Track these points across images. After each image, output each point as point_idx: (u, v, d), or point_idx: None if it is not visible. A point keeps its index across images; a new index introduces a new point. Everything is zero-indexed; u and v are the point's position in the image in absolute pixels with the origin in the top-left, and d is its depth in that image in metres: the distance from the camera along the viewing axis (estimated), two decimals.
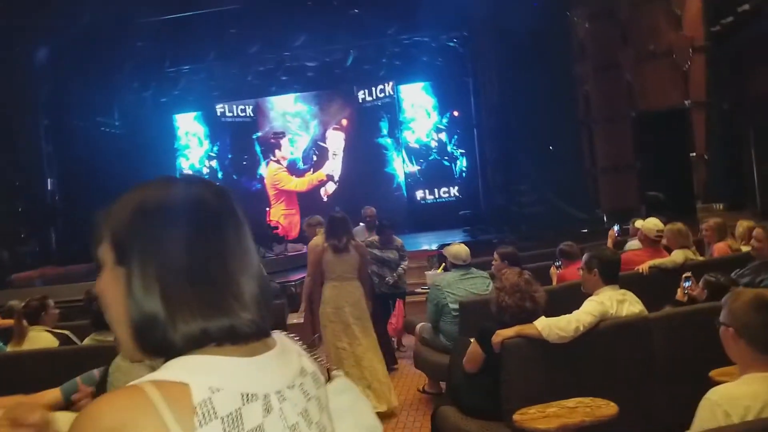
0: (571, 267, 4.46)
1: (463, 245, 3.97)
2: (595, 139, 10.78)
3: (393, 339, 5.66)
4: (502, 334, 2.52)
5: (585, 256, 2.88)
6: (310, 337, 4.63)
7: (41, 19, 9.96)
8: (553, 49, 10.19)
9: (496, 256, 4.18)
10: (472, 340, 2.92)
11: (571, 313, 2.71)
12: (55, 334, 3.54)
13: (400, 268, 5.43)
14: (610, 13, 10.44)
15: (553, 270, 4.64)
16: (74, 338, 3.50)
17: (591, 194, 10.76)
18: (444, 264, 5.68)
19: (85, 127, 12.08)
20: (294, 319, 4.53)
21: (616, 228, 5.04)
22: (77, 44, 10.53)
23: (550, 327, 2.52)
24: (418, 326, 4.17)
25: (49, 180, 10.90)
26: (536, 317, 2.57)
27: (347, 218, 4.24)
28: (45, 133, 10.86)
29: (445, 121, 13.47)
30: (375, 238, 5.52)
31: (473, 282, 3.85)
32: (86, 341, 3.34)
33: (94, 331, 3.43)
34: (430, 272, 5.56)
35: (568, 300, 3.43)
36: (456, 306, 3.71)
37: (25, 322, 3.49)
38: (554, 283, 4.56)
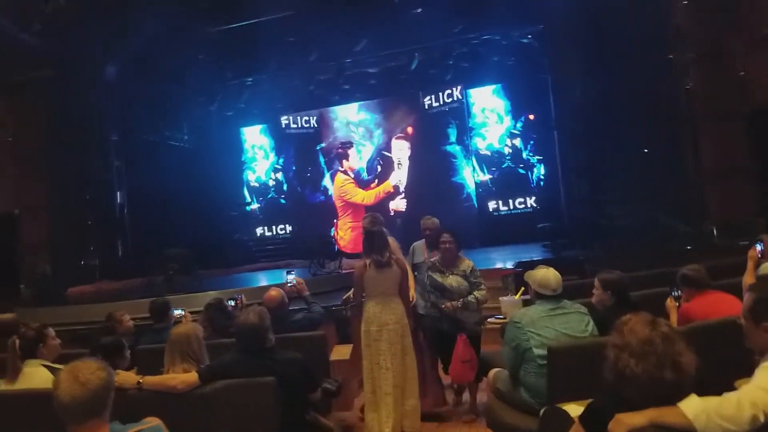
0: (699, 299, 3.38)
1: (552, 270, 3.02)
2: (699, 141, 9.29)
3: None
4: (626, 422, 1.59)
5: (750, 301, 1.88)
6: (358, 375, 3.86)
7: (108, 38, 10.10)
8: (646, 37, 8.89)
9: (597, 283, 3.21)
10: (572, 414, 2.01)
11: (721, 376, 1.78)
12: (53, 370, 2.98)
13: (471, 297, 4.04)
14: None
15: (670, 303, 3.56)
16: None
17: (695, 204, 9.27)
18: (523, 288, 4.71)
19: (155, 141, 12.23)
20: (339, 354, 3.77)
21: (758, 247, 3.84)
22: (143, 60, 10.59)
23: (708, 414, 1.55)
24: (492, 373, 3.25)
25: (118, 193, 11.00)
26: (681, 395, 1.61)
27: (384, 231, 4.00)
28: (115, 147, 10.99)
29: (519, 125, 12.45)
30: (438, 258, 4.22)
31: (566, 319, 2.89)
32: None
33: None
34: (506, 298, 4.56)
35: (701, 350, 2.41)
36: (543, 352, 2.77)
37: (20, 356, 2.96)
38: (673, 321, 3.49)
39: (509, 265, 7.72)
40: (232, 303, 3.90)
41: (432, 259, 4.24)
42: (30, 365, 2.96)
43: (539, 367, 2.79)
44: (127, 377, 2.59)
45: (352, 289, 4.10)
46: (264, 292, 3.93)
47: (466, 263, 4.17)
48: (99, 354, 2.86)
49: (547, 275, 2.99)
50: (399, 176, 13.09)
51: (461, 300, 4.01)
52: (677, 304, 3.57)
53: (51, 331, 3.09)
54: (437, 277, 4.10)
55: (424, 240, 4.75)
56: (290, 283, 4.03)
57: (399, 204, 12.91)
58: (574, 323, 2.89)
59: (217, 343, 3.18)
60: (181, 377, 2.53)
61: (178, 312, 3.98)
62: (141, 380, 2.54)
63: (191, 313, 4.10)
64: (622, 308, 3.15)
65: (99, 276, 9.78)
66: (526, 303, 4.51)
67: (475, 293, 4.07)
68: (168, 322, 3.84)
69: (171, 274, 6.34)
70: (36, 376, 2.94)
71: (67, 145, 10.05)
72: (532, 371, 2.82)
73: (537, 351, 2.80)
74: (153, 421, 1.87)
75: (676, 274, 5.10)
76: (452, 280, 4.06)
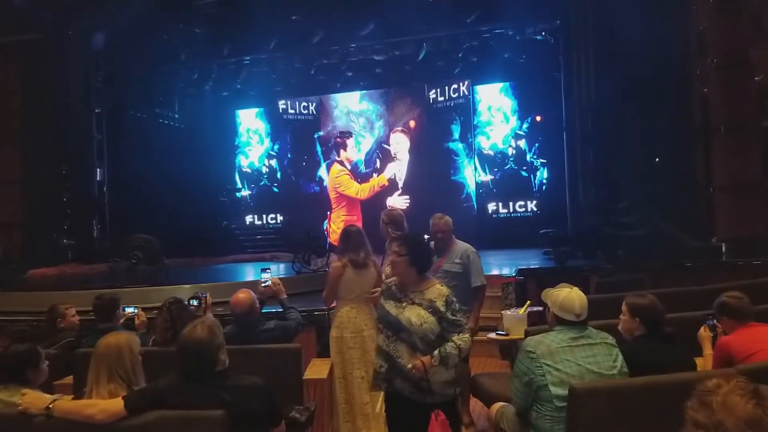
0: (740, 332, 2.88)
1: (576, 290, 2.49)
2: (713, 152, 8.85)
3: None
4: None
5: None
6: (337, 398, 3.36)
7: (97, 3, 9.49)
8: (666, 41, 8.43)
9: (624, 308, 2.69)
10: None
11: None
12: None
13: (450, 346, 2.57)
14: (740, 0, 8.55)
15: (704, 333, 3.08)
16: None
17: (705, 218, 8.83)
18: (529, 302, 4.20)
19: (142, 117, 11.62)
20: (316, 371, 3.24)
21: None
22: (134, 30, 9.95)
23: None
24: (496, 408, 2.72)
25: (98, 170, 10.38)
26: None
27: (362, 231, 3.73)
28: (97, 121, 10.36)
29: (525, 126, 12.06)
30: (394, 279, 2.81)
31: (591, 352, 2.36)
32: None
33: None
34: (509, 312, 4.04)
35: None
36: (562, 391, 2.25)
37: None
38: (707, 355, 2.99)
39: (506, 271, 7.24)
40: (195, 303, 3.35)
41: (388, 281, 2.88)
42: None
43: (556, 410, 2.27)
44: (34, 399, 2.05)
45: (325, 290, 3.70)
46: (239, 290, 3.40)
47: (437, 290, 2.68)
48: (12, 374, 2.30)
49: (571, 296, 2.46)
50: (395, 169, 12.58)
51: (436, 353, 2.54)
52: (711, 334, 3.08)
53: None
54: (390, 307, 2.67)
55: (434, 243, 3.94)
56: (265, 282, 3.49)
57: (397, 201, 12.35)
58: (600, 357, 2.37)
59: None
60: (101, 405, 1.99)
61: (130, 309, 3.42)
62: (51, 405, 1.99)
63: (145, 310, 3.53)
64: (653, 340, 2.64)
65: (72, 257, 9.19)
66: (531, 319, 4.01)
67: (454, 339, 2.59)
68: (115, 323, 3.28)
69: (134, 263, 5.77)
70: None
71: (47, 114, 9.45)
72: (546, 414, 2.30)
73: (554, 390, 2.28)
74: None
75: (696, 294, 4.66)
76: (411, 314, 2.60)
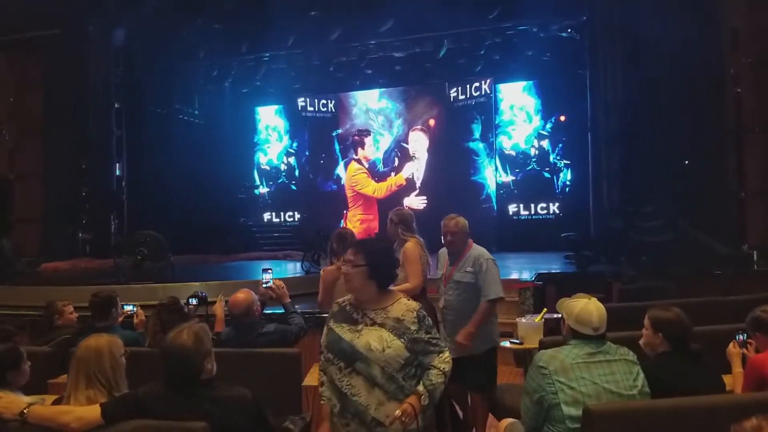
0: None
1: (594, 301, 2.29)
2: (745, 154, 8.51)
3: None
4: None
5: None
6: None
7: None
8: (694, 40, 8.09)
9: (647, 322, 2.47)
10: None
11: None
12: None
13: (434, 376, 2.09)
14: None
15: (733, 349, 2.85)
16: None
17: (736, 224, 8.48)
18: (545, 310, 4.00)
19: (162, 113, 11.68)
20: (315, 377, 3.09)
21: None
22: (154, 26, 10.00)
23: None
24: (504, 426, 2.55)
25: (117, 165, 10.46)
26: None
27: (354, 234, 3.68)
28: (116, 116, 10.44)
29: (548, 126, 11.77)
30: (349, 298, 2.23)
31: (609, 369, 2.17)
32: None
33: None
34: (523, 320, 3.85)
35: None
36: (575, 412, 2.07)
37: None
38: (736, 373, 2.76)
39: (526, 275, 7.00)
40: (194, 302, 3.22)
41: (340, 300, 2.27)
42: None
43: (569, 431, 2.08)
44: (9, 403, 1.95)
45: (319, 296, 3.54)
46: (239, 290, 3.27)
47: (404, 305, 2.14)
48: None
49: (588, 308, 2.26)
50: (413, 169, 12.41)
51: (422, 388, 2.05)
52: (742, 350, 2.85)
53: None
54: (343, 332, 2.12)
55: (447, 249, 3.53)
56: (266, 283, 3.34)
57: (414, 201, 12.16)
58: (619, 375, 2.16)
59: None
60: (77, 412, 1.88)
61: (128, 307, 3.31)
62: (26, 410, 1.89)
63: (146, 308, 3.43)
64: (678, 357, 2.42)
65: (90, 251, 9.28)
66: (548, 326, 3.81)
67: (435, 364, 2.10)
68: (112, 321, 3.18)
69: (139, 260, 5.71)
70: None
71: (68, 109, 9.57)
72: None
73: (567, 410, 2.09)
74: None
75: (725, 305, 4.40)
76: (371, 338, 2.06)
